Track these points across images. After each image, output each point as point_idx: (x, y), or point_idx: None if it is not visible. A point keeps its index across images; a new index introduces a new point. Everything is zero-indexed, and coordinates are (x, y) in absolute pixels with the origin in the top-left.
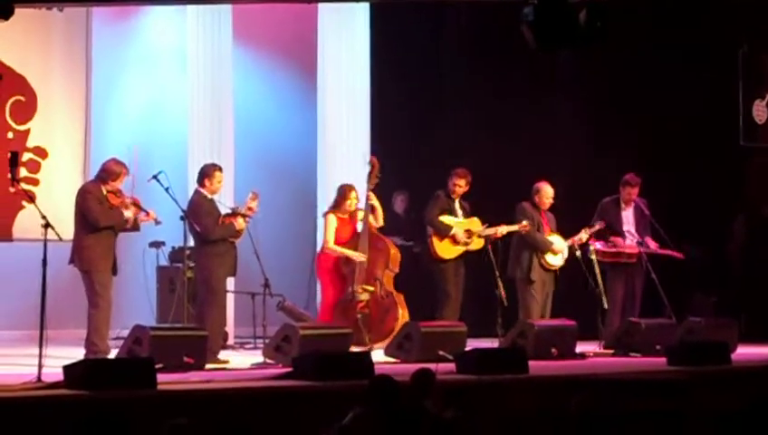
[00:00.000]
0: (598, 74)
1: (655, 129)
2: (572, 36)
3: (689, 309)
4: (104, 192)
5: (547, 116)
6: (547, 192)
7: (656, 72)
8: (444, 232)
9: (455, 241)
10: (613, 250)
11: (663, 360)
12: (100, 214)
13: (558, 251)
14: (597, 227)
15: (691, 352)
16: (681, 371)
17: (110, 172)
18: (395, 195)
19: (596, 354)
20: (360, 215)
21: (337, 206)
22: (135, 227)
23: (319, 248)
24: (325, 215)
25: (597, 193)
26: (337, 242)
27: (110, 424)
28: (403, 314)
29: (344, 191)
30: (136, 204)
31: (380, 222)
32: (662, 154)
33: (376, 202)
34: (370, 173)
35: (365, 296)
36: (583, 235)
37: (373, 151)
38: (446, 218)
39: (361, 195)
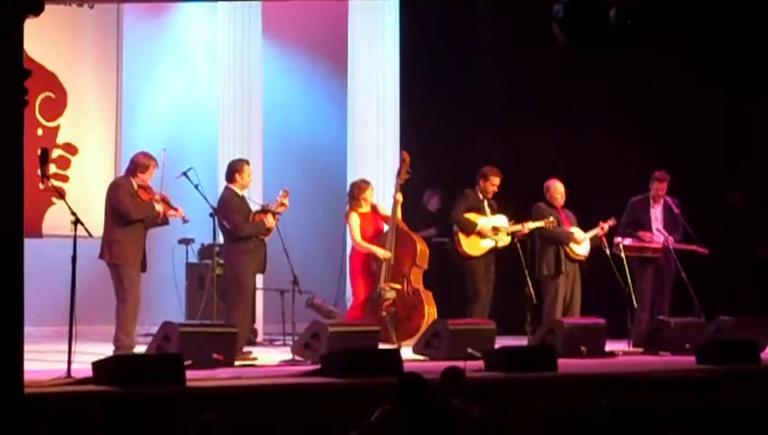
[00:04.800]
0: (627, 73)
1: (686, 127)
2: (602, 35)
3: (719, 307)
4: (135, 186)
5: (577, 113)
6: (557, 189)
7: (687, 72)
8: (469, 229)
9: (481, 236)
10: (639, 245)
11: (692, 358)
12: (131, 206)
13: (580, 240)
14: (610, 223)
15: (720, 351)
16: (710, 369)
17: (138, 164)
18: (427, 193)
19: (625, 353)
20: (384, 210)
21: (355, 202)
22: (165, 221)
23: (349, 246)
24: (347, 215)
25: (626, 191)
26: (364, 237)
27: (126, 422)
28: (430, 312)
29: (357, 187)
30: (165, 200)
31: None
32: (691, 154)
33: (399, 197)
34: (400, 168)
35: (391, 294)
36: (599, 230)
37: (403, 147)
38: (472, 216)
39: (391, 190)
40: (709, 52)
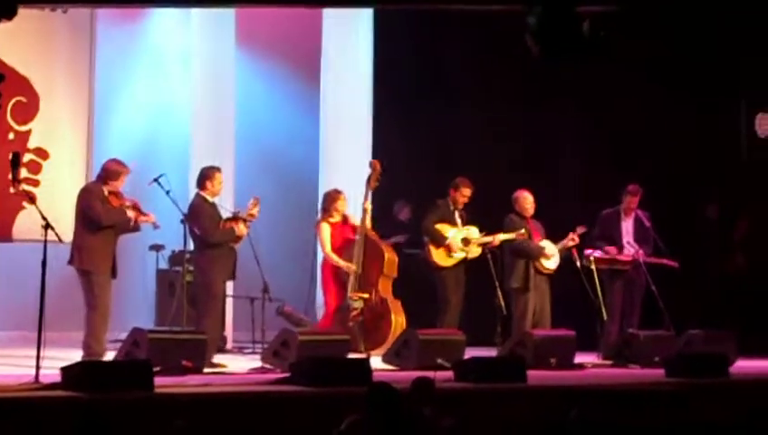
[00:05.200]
0: (598, 84)
1: (655, 141)
2: (576, 46)
3: (689, 321)
4: (105, 193)
5: (550, 124)
6: (527, 199)
7: (656, 85)
8: (439, 241)
9: (449, 250)
10: (609, 257)
11: (661, 371)
12: (102, 213)
13: (550, 255)
14: (579, 231)
15: (689, 364)
16: (679, 382)
17: (110, 172)
18: (397, 203)
19: (594, 365)
20: (354, 220)
21: (326, 212)
22: (136, 227)
23: (320, 255)
24: (317, 224)
25: (594, 201)
26: (333, 247)
27: (95, 427)
28: (398, 321)
29: (329, 197)
30: (136, 207)
31: (368, 225)
32: (663, 168)
33: (368, 205)
34: (371, 176)
35: (359, 304)
36: (569, 241)
37: (375, 157)
38: (443, 227)
39: (361, 198)
40: (682, 62)
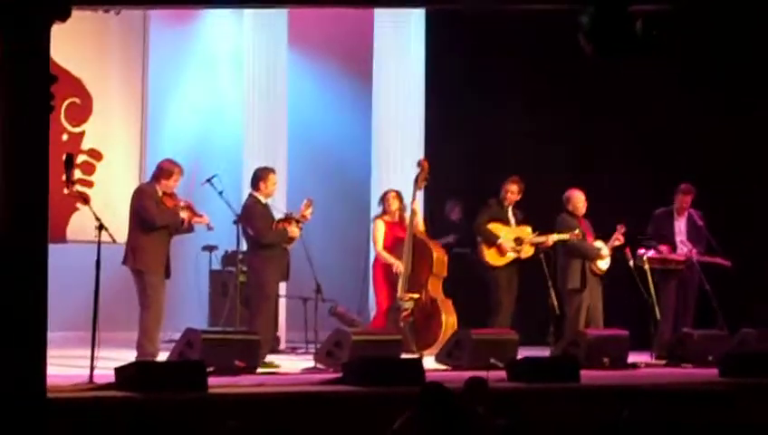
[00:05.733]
0: (646, 81)
1: (711, 139)
2: (629, 45)
3: (743, 320)
4: (159, 193)
5: (597, 124)
6: (579, 198)
7: (710, 84)
8: (491, 240)
9: (501, 250)
10: (662, 257)
11: (715, 371)
12: (156, 213)
13: (605, 256)
14: (620, 230)
15: (743, 364)
16: (733, 382)
17: (164, 170)
18: (449, 203)
19: (648, 365)
20: (407, 220)
21: (383, 211)
22: (189, 228)
23: (372, 255)
24: (374, 220)
25: (642, 200)
26: (385, 247)
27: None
28: (448, 321)
29: (385, 196)
30: (190, 207)
31: (420, 227)
32: (718, 165)
33: (418, 206)
34: (418, 175)
35: (409, 304)
36: (615, 241)
37: (426, 156)
38: (495, 226)
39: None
40: (732, 58)
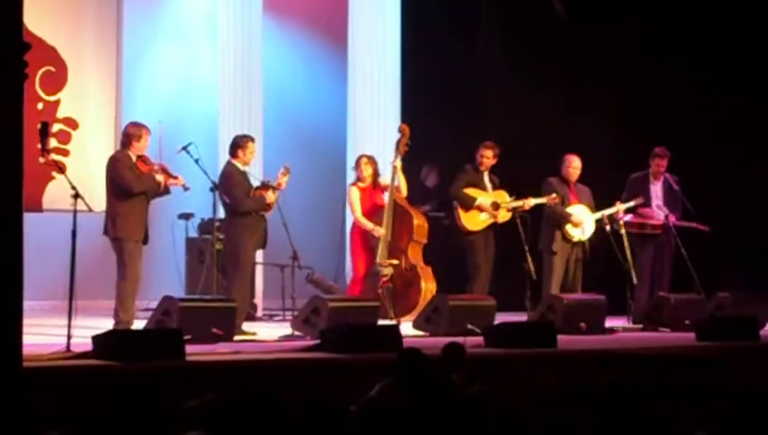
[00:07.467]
0: (630, 49)
1: (688, 102)
2: (603, 8)
3: (719, 284)
4: (133, 159)
5: (581, 88)
6: (570, 163)
7: (688, 46)
8: (468, 204)
9: (480, 211)
10: (639, 221)
11: (692, 335)
12: (133, 180)
13: (578, 223)
14: (633, 203)
15: (720, 328)
16: (710, 346)
17: (131, 135)
18: (424, 169)
19: (625, 329)
20: (385, 183)
21: (356, 177)
22: (166, 190)
23: (349, 221)
24: (348, 187)
25: (621, 169)
26: (362, 212)
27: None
28: (427, 288)
29: (357, 162)
30: (164, 170)
31: (403, 192)
32: (695, 127)
33: (400, 172)
34: (399, 141)
35: (388, 271)
36: (616, 208)
37: (403, 122)
38: (472, 191)
39: (389, 165)
40: (711, 24)
